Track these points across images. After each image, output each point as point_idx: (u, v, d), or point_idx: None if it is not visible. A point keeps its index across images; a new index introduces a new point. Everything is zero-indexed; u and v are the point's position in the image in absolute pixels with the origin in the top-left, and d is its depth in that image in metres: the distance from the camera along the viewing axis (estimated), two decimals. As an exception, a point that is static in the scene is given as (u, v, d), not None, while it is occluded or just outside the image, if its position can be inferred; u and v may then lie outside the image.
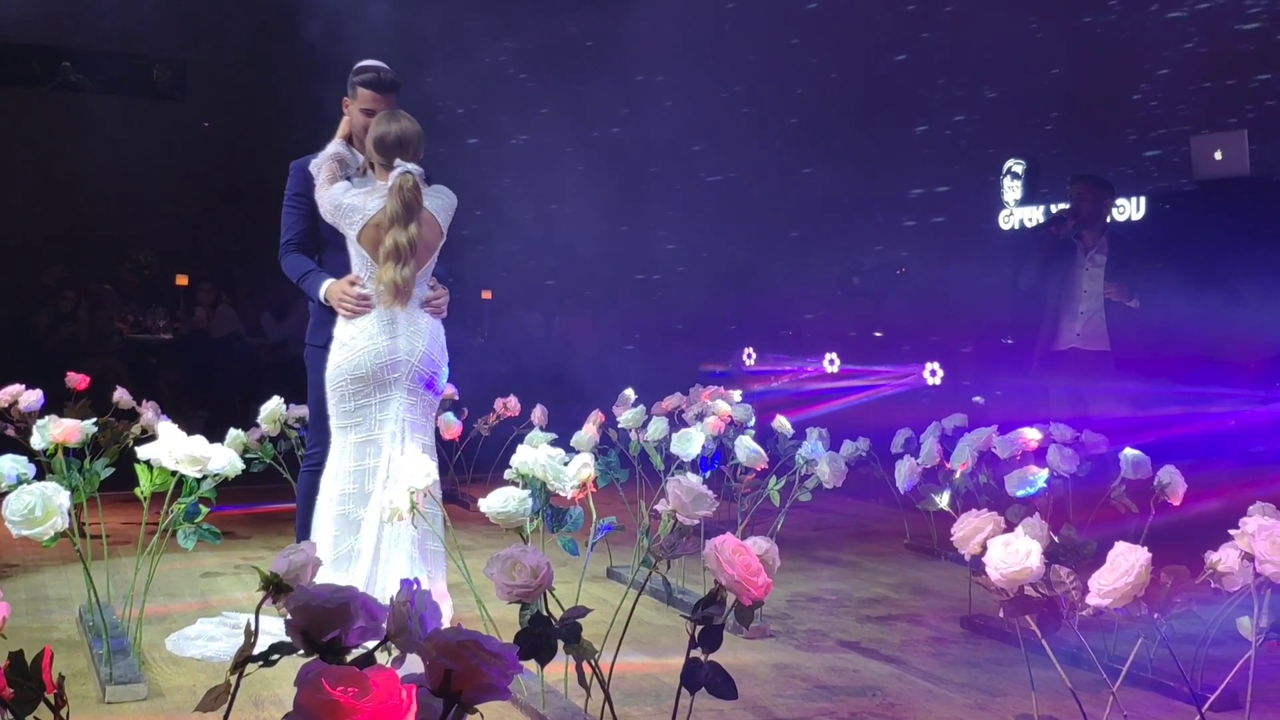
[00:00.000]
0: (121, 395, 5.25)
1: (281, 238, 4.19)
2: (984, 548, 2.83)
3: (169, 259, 11.98)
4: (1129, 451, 4.29)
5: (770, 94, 11.35)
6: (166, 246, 12.33)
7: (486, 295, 12.75)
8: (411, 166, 3.80)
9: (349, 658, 1.67)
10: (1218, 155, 5.96)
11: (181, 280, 10.64)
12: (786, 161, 11.12)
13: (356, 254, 3.90)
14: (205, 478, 3.53)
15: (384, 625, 1.54)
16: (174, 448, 3.34)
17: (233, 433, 4.79)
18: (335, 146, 4.05)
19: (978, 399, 6.94)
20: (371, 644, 1.60)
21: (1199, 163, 6.10)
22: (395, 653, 1.81)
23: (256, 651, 1.87)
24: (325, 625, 1.48)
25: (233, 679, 1.85)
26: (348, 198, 3.86)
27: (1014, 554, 2.53)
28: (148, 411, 4.78)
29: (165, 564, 4.82)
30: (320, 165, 3.99)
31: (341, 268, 3.99)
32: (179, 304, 10.69)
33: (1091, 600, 2.43)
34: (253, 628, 1.92)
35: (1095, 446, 4.77)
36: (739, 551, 2.24)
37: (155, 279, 11.70)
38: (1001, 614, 2.66)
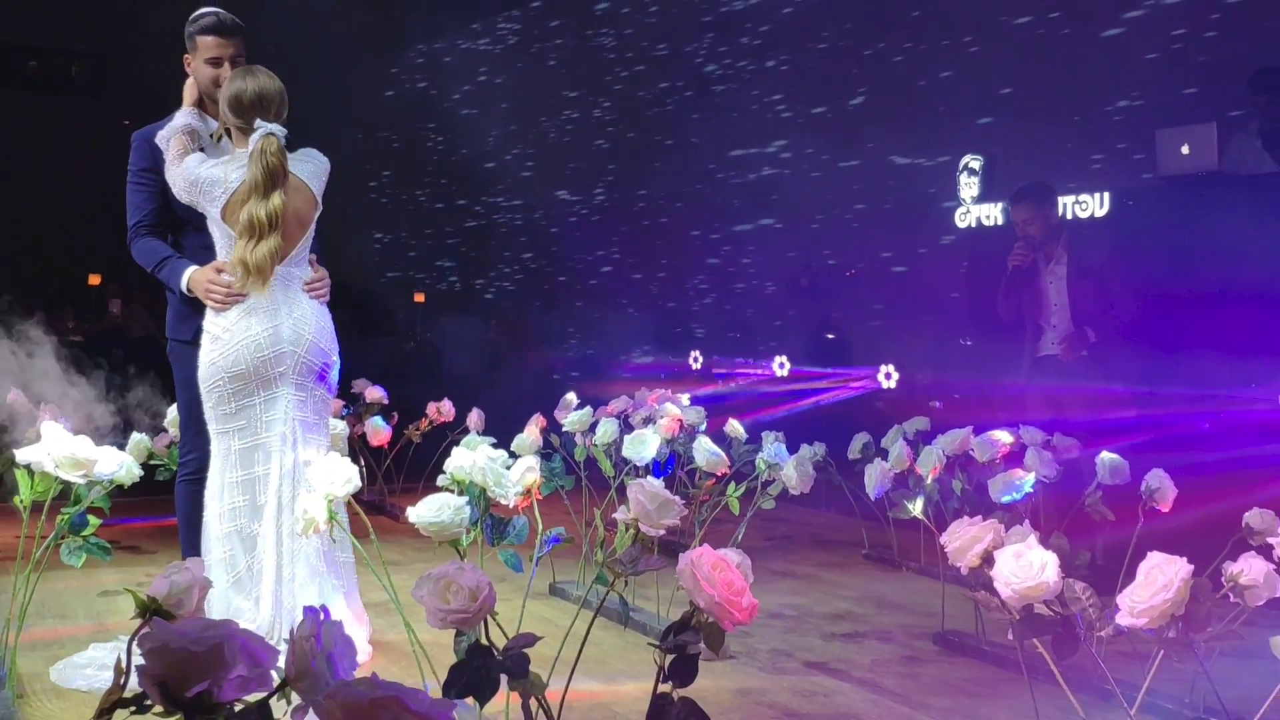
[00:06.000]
0: (16, 398, 4.79)
1: (129, 219, 3.63)
2: (983, 559, 2.51)
3: (84, 258, 11.45)
4: (1106, 455, 4.00)
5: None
6: (81, 246, 11.81)
7: (419, 298, 12.33)
8: (274, 127, 3.33)
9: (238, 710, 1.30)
10: (1184, 149, 5.72)
11: (94, 280, 10.09)
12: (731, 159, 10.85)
13: (222, 234, 3.39)
14: (94, 484, 3.10)
15: (272, 672, 1.15)
16: (54, 449, 2.91)
17: (135, 437, 4.39)
18: (185, 117, 3.53)
19: (934, 403, 6.66)
20: (256, 696, 1.21)
21: (1164, 157, 5.86)
22: (296, 700, 1.43)
23: (129, 694, 1.50)
24: (190, 675, 1.09)
25: (98, 728, 1.47)
26: (205, 169, 3.36)
27: (1027, 566, 2.20)
28: (46, 416, 4.35)
29: (58, 582, 4.37)
30: (168, 138, 3.48)
31: (204, 250, 3.48)
32: (89, 304, 10.13)
33: (1122, 620, 2.10)
34: (124, 665, 1.54)
35: (1067, 450, 4.50)
36: (719, 567, 1.89)
37: (66, 279, 11.15)
38: (1010, 636, 2.33)
